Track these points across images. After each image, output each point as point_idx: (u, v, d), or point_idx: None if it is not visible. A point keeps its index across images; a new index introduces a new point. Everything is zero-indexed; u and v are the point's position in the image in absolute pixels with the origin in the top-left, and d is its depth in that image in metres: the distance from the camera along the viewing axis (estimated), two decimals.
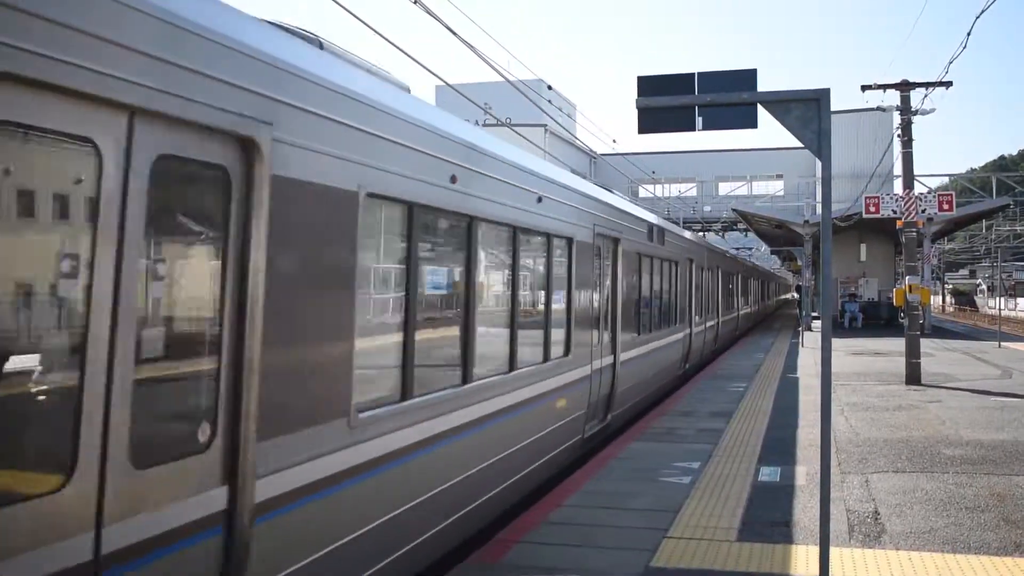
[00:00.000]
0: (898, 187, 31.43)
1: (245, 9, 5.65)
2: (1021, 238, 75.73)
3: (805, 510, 9.26)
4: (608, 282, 13.96)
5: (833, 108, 7.17)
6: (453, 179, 7.57)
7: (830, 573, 7.04)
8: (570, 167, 19.90)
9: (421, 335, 7.15)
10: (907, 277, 22.63)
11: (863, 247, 47.99)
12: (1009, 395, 18.71)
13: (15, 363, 3.66)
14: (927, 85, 23.22)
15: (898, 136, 23.76)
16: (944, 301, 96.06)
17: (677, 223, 36.63)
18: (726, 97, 7.61)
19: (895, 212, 22.26)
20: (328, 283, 5.67)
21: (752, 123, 7.65)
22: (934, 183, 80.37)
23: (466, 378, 8.02)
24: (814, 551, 7.59)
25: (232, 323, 4.77)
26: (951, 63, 21.43)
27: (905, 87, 23.26)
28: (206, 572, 4.55)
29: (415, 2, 12.73)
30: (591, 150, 64.41)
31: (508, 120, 31.92)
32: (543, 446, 10.39)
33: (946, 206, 22.55)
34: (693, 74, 7.80)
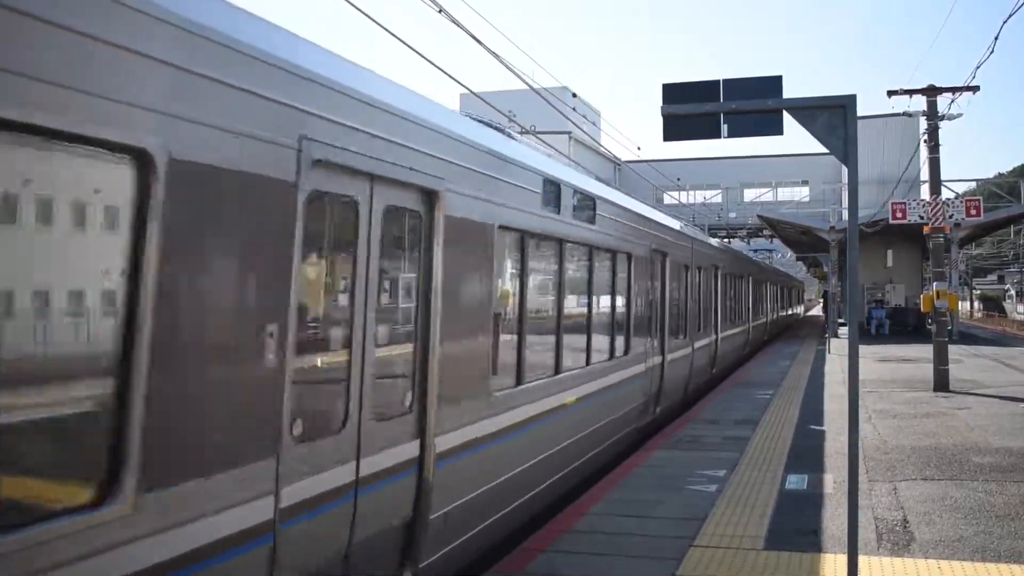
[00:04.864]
0: (925, 192, 31.20)
1: (267, 12, 5.33)
2: None
3: (833, 518, 9.20)
4: (413, 289, 6.95)
5: (859, 113, 7.14)
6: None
7: None
8: (594, 174, 19.58)
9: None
10: (934, 283, 22.46)
11: (889, 253, 47.57)
12: None
13: None
14: (954, 90, 23.00)
15: (924, 141, 23.59)
16: (972, 307, 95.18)
17: (702, 229, 35.70)
18: (751, 104, 7.60)
19: (922, 218, 22.09)
20: None
21: (778, 130, 7.64)
22: (961, 188, 79.70)
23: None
24: (842, 560, 7.53)
25: None
26: (978, 67, 21.25)
27: (932, 92, 23.06)
28: None
29: (440, 11, 12.78)
30: (615, 157, 64.33)
31: (533, 127, 31.95)
32: None
33: (973, 211, 22.33)
34: (718, 81, 7.80)
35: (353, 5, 10.87)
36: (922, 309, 23.88)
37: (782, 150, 71.96)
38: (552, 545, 8.32)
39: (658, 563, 7.81)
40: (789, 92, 7.49)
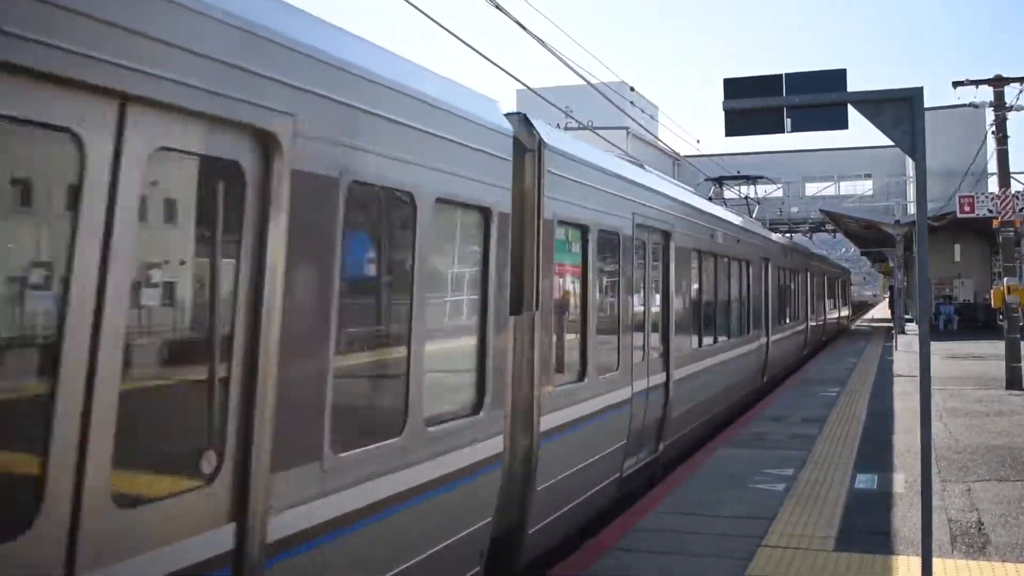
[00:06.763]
0: (993, 185, 30.50)
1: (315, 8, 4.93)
2: None
3: (904, 519, 9.02)
4: None
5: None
6: None
7: None
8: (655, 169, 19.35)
9: None
10: (1005, 278, 21.96)
11: (957, 247, 46.57)
12: None
13: None
14: (1022, 80, 22.50)
15: (992, 133, 23.07)
16: None
17: (764, 224, 34.66)
18: (815, 98, 7.48)
19: (991, 211, 21.64)
20: None
21: (843, 124, 7.50)
22: None
23: None
24: (915, 562, 7.38)
25: None
26: None
27: (999, 82, 22.55)
28: None
29: (497, 7, 12.76)
30: (674, 151, 63.94)
31: (590, 123, 31.85)
32: None
33: None
34: (781, 75, 7.68)
35: (411, 3, 10.89)
36: (992, 305, 23.39)
37: (843, 143, 70.89)
38: (619, 543, 8.27)
39: (726, 562, 7.72)
40: (852, 88, 7.38)
